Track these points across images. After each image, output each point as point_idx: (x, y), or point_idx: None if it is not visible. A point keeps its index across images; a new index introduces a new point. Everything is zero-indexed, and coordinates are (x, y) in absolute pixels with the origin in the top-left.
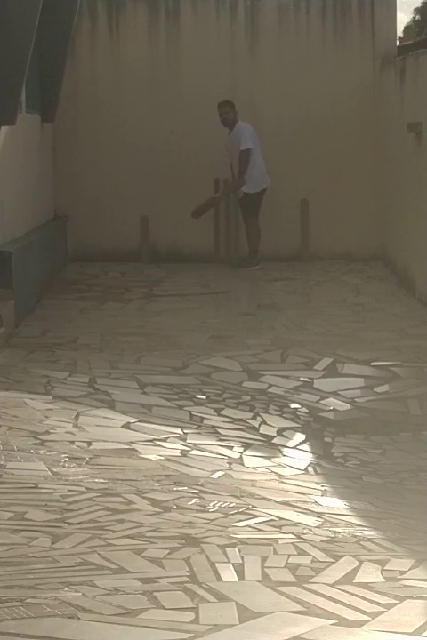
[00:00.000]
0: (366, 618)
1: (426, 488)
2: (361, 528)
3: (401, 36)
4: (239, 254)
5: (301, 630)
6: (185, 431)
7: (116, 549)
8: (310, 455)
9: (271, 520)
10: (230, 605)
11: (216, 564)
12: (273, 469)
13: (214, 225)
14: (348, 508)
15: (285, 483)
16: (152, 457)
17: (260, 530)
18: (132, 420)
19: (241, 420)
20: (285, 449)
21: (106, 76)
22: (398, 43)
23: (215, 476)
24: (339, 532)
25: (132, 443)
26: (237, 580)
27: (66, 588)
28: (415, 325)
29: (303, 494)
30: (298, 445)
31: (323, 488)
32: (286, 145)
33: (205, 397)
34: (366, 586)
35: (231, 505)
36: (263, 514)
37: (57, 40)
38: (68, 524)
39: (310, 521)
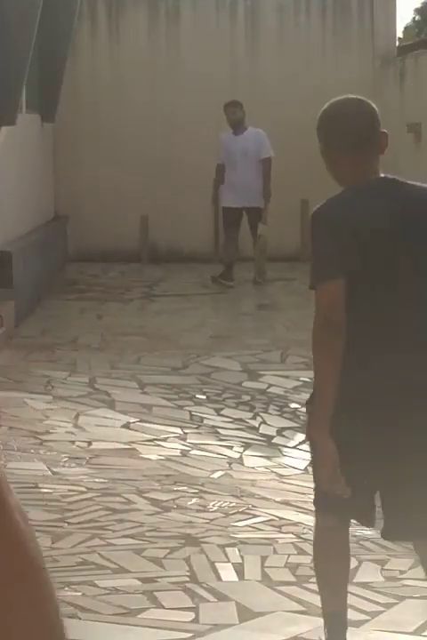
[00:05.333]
0: (366, 618)
1: None
2: (361, 528)
3: (401, 36)
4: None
5: (301, 630)
6: (185, 431)
7: (116, 549)
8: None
9: (271, 520)
10: (230, 605)
11: (216, 564)
12: (273, 469)
13: (214, 225)
14: None
15: (285, 482)
16: (152, 457)
17: (260, 530)
18: (132, 420)
19: (241, 419)
20: (285, 449)
21: (106, 76)
22: (398, 43)
23: (215, 475)
24: None
25: (132, 443)
26: (237, 579)
27: (66, 588)
28: None
29: (303, 494)
30: (298, 445)
31: None
32: (285, 145)
33: (205, 397)
34: (366, 586)
35: (231, 505)
36: (263, 514)
37: (57, 40)
38: (68, 523)
39: (310, 521)
